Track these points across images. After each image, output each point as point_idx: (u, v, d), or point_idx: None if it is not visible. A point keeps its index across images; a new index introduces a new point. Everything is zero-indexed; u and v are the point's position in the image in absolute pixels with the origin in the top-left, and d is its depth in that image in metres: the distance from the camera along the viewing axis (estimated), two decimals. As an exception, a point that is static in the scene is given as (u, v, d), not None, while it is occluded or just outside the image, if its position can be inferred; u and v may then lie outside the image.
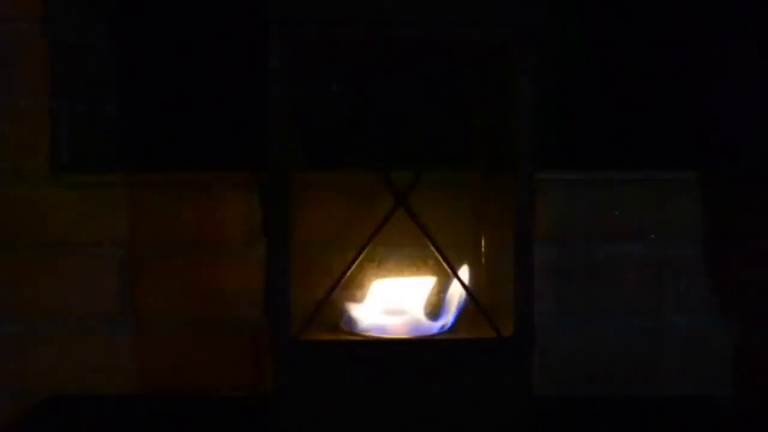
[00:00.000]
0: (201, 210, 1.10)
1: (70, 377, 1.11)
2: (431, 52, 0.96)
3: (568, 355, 1.11)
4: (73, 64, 1.16)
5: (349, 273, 0.89)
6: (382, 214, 0.88)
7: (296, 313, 0.87)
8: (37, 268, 1.10)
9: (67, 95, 1.14)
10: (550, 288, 1.10)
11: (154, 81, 1.28)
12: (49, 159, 1.10)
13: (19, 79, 1.10)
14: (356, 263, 0.89)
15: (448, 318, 0.93)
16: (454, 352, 0.89)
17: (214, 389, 1.11)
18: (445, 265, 0.89)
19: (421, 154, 0.93)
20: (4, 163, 1.10)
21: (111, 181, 1.10)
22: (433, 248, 0.89)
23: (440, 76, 1.01)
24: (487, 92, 0.98)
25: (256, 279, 1.09)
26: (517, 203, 0.86)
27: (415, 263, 0.99)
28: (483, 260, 1.01)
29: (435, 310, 0.94)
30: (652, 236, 1.10)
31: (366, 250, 0.89)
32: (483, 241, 1.01)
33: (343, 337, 0.91)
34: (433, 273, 0.96)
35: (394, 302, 0.94)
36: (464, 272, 0.94)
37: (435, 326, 0.92)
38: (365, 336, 0.91)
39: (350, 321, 0.93)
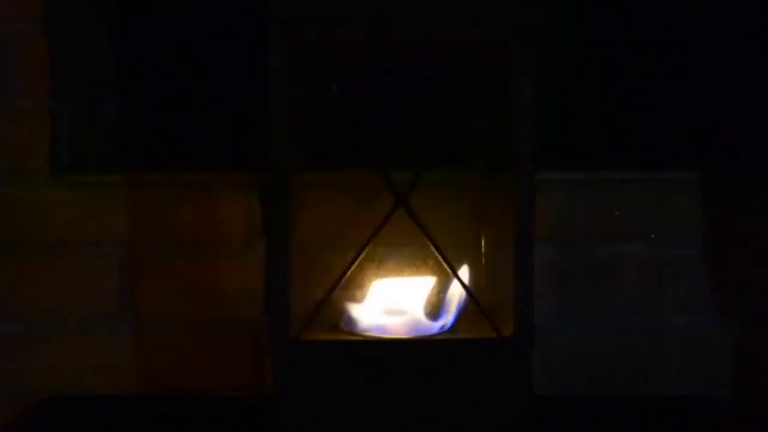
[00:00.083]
0: (201, 210, 1.10)
1: (70, 377, 1.11)
2: (431, 52, 0.96)
3: (568, 355, 1.11)
4: (73, 64, 1.16)
5: (349, 273, 0.89)
6: (382, 214, 0.88)
7: (296, 313, 0.87)
8: (37, 268, 1.10)
9: (67, 95, 1.14)
10: (550, 288, 1.10)
11: (154, 81, 1.28)
12: (49, 159, 1.10)
13: (19, 79, 1.10)
14: (356, 263, 0.89)
15: (448, 318, 0.93)
16: (454, 352, 0.89)
17: (214, 389, 1.11)
18: (445, 265, 0.89)
19: (421, 154, 0.93)
20: (4, 163, 1.10)
21: (111, 181, 1.10)
22: (433, 248, 0.89)
23: (440, 76, 1.01)
24: (487, 92, 0.98)
25: (256, 279, 1.09)
26: (517, 203, 0.86)
27: (415, 263, 0.99)
28: (483, 260, 1.01)
29: (435, 310, 0.94)
30: (652, 236, 1.10)
31: (366, 250, 0.89)
32: (483, 241, 1.01)
33: (343, 337, 0.91)
34: (433, 273, 0.96)
35: (394, 302, 0.94)
36: (464, 272, 0.94)
37: (435, 326, 0.92)
38: (365, 336, 0.91)
39: (350, 321, 0.93)
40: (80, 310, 1.11)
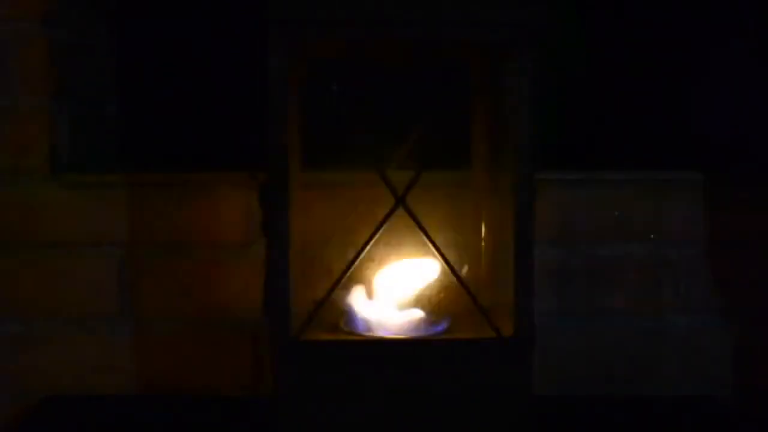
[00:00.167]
0: (201, 210, 1.10)
1: (70, 377, 1.11)
2: (431, 52, 0.96)
3: (568, 355, 1.11)
4: (73, 64, 1.16)
5: (349, 273, 0.89)
6: (382, 214, 0.88)
7: (296, 313, 0.87)
8: (37, 268, 1.10)
9: (67, 95, 1.14)
10: (550, 288, 1.10)
11: (154, 81, 1.28)
12: (49, 159, 1.10)
13: (19, 79, 1.10)
14: (356, 263, 0.89)
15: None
16: (454, 352, 0.89)
17: (214, 389, 1.11)
18: (445, 265, 0.89)
19: (421, 154, 0.93)
20: (4, 163, 1.10)
21: (111, 181, 1.10)
22: (433, 248, 0.89)
23: (440, 76, 1.01)
24: (488, 92, 0.98)
25: (256, 279, 1.09)
26: (517, 203, 0.86)
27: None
28: (483, 260, 1.01)
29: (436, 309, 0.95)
30: (652, 236, 1.10)
31: (366, 250, 0.89)
32: (483, 241, 1.01)
33: (343, 337, 0.91)
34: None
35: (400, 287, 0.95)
36: (464, 272, 0.94)
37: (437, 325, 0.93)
38: (365, 336, 0.91)
39: (352, 316, 0.93)
40: (80, 310, 1.11)
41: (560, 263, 1.10)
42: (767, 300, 1.11)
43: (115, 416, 1.05)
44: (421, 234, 0.88)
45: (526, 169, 0.86)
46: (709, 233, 1.11)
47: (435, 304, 0.95)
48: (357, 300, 0.95)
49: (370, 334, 0.92)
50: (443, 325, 0.93)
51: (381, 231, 0.88)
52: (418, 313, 0.94)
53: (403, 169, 0.89)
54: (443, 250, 0.89)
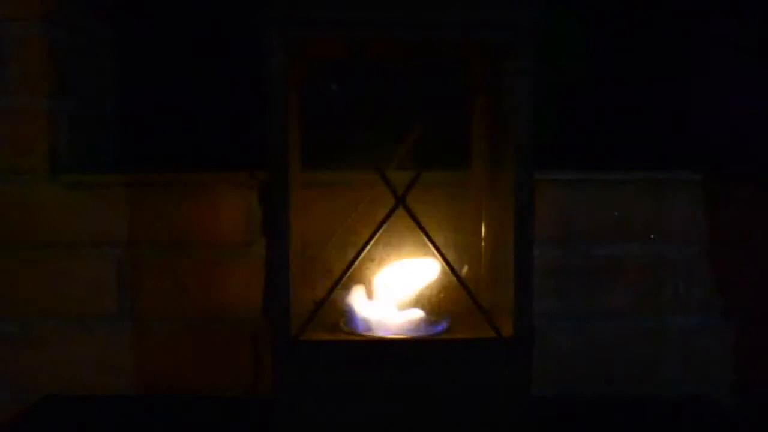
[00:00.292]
0: (201, 210, 1.10)
1: (70, 377, 1.11)
2: (431, 51, 0.96)
3: (568, 355, 1.11)
4: (73, 64, 1.16)
5: (349, 273, 0.89)
6: (382, 214, 0.88)
7: (296, 313, 0.87)
8: (36, 268, 1.10)
9: (67, 95, 1.14)
10: (550, 288, 1.10)
11: (154, 81, 1.28)
12: (48, 159, 1.10)
13: (18, 79, 1.10)
14: (356, 263, 0.89)
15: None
16: (454, 352, 0.89)
17: (214, 389, 1.11)
18: (445, 265, 0.89)
19: (421, 154, 0.93)
20: (4, 163, 1.10)
21: (111, 181, 1.10)
22: (433, 248, 0.89)
23: (440, 75, 1.01)
24: (488, 92, 0.98)
25: (256, 279, 1.09)
26: (517, 203, 0.86)
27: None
28: (483, 260, 1.01)
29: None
30: (652, 236, 1.10)
31: (366, 250, 0.89)
32: (483, 241, 1.01)
33: (343, 337, 0.91)
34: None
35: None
36: (464, 272, 0.94)
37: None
38: (365, 336, 0.91)
39: (350, 314, 0.93)
40: (80, 310, 1.11)
41: (560, 263, 1.10)
42: (767, 300, 1.11)
43: (114, 416, 1.05)
44: (421, 234, 0.88)
45: (526, 169, 0.86)
46: (708, 233, 1.11)
47: (435, 304, 0.96)
48: (357, 300, 0.95)
49: (370, 334, 0.92)
50: (443, 325, 0.93)
51: (381, 231, 0.88)
52: (418, 313, 0.94)
53: (403, 169, 0.89)
54: (443, 250, 0.89)
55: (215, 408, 1.06)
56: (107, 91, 1.27)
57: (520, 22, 0.84)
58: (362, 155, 0.89)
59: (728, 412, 1.09)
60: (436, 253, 0.89)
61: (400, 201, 0.88)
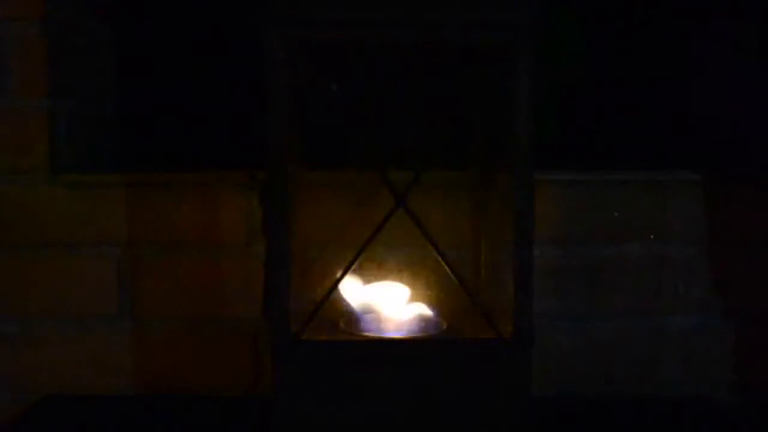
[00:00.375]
0: (201, 210, 1.10)
1: (70, 377, 1.11)
2: (431, 51, 0.96)
3: (568, 355, 1.11)
4: (73, 64, 1.16)
5: (348, 273, 0.89)
6: (382, 214, 0.88)
7: (296, 313, 0.87)
8: (36, 268, 1.10)
9: (67, 95, 1.14)
10: (550, 288, 1.10)
11: (154, 81, 1.28)
12: (48, 159, 1.10)
13: (18, 79, 1.10)
14: (356, 263, 0.89)
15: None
16: (453, 352, 0.89)
17: (214, 389, 1.11)
18: (444, 265, 0.89)
19: (420, 154, 0.93)
20: (4, 163, 1.10)
21: (111, 181, 1.10)
22: (432, 248, 0.89)
23: (440, 75, 1.01)
24: (487, 92, 0.98)
25: (256, 279, 1.09)
26: (517, 203, 0.86)
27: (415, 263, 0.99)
28: (483, 260, 1.01)
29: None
30: (652, 236, 1.10)
31: (366, 250, 0.89)
32: (483, 241, 1.01)
33: (343, 337, 0.91)
34: (432, 273, 0.97)
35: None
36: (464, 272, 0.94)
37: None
38: (365, 336, 0.91)
39: (351, 314, 0.93)
40: (80, 310, 1.11)
41: (560, 263, 1.10)
42: (767, 300, 1.11)
43: (114, 416, 1.05)
44: (421, 234, 0.88)
45: (526, 169, 0.86)
46: (708, 233, 1.11)
47: (435, 304, 0.96)
48: (357, 300, 0.95)
49: (370, 334, 0.92)
50: (443, 325, 0.93)
51: (381, 231, 0.88)
52: (419, 313, 0.94)
53: (403, 169, 0.89)
54: (443, 250, 0.89)
55: (215, 408, 1.06)
56: (107, 91, 1.27)
57: (520, 22, 0.84)
58: (362, 155, 0.89)
59: (728, 412, 1.09)
60: (435, 253, 0.89)
61: (400, 201, 0.88)
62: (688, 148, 1.27)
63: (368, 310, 0.95)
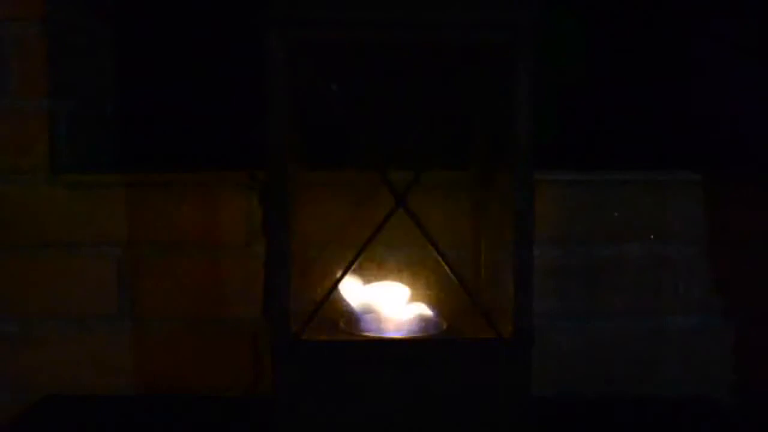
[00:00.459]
0: (201, 210, 1.10)
1: (70, 377, 1.11)
2: (431, 51, 0.96)
3: (568, 355, 1.11)
4: (73, 64, 1.16)
5: (348, 273, 0.89)
6: (382, 214, 0.88)
7: (296, 313, 0.87)
8: (36, 268, 1.10)
9: (67, 95, 1.14)
10: (550, 288, 1.10)
11: (154, 81, 1.28)
12: (48, 159, 1.10)
13: (18, 79, 1.10)
14: (356, 263, 0.89)
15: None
16: (453, 352, 0.89)
17: (213, 389, 1.11)
18: (444, 265, 0.89)
19: (420, 154, 0.93)
20: (4, 163, 1.10)
21: (111, 181, 1.10)
22: (432, 248, 0.89)
23: (440, 75, 1.01)
24: (487, 92, 0.98)
25: (256, 279, 1.09)
26: (517, 203, 0.86)
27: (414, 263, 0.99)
28: (483, 260, 1.01)
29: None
30: (652, 236, 1.10)
31: (366, 250, 0.89)
32: (483, 241, 1.01)
33: (343, 337, 0.91)
34: (432, 273, 0.97)
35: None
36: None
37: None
38: (365, 336, 0.91)
39: (351, 314, 0.93)
40: (80, 310, 1.11)
41: (560, 263, 1.10)
42: (767, 300, 1.11)
43: (114, 416, 1.05)
44: (421, 234, 0.88)
45: (526, 169, 0.86)
46: (708, 233, 1.11)
47: (435, 304, 0.96)
48: (357, 300, 0.95)
49: (370, 334, 0.92)
50: (443, 325, 0.93)
51: (381, 231, 0.88)
52: (419, 313, 0.94)
53: (403, 169, 0.89)
54: (443, 250, 0.89)
55: (215, 408, 1.06)
56: (107, 91, 1.27)
57: (520, 22, 0.84)
58: (362, 155, 0.89)
59: (728, 412, 1.09)
60: (435, 253, 0.89)
61: (400, 201, 0.88)
62: (688, 148, 1.26)
63: (368, 310, 0.95)
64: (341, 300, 0.94)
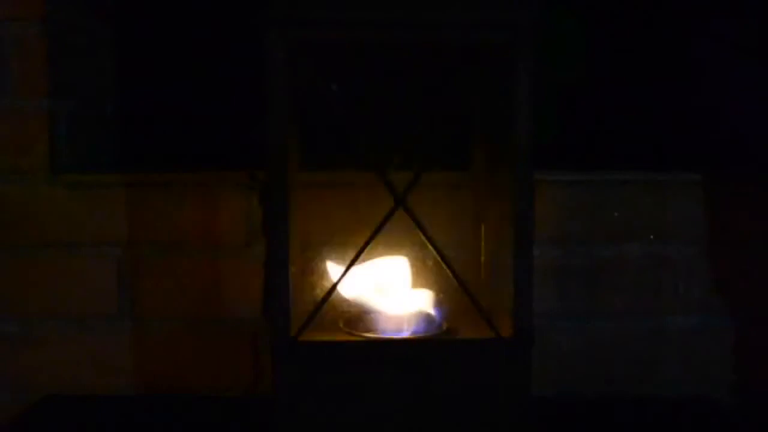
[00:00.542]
0: (201, 210, 1.10)
1: (70, 377, 1.11)
2: (431, 51, 0.96)
3: (568, 355, 1.11)
4: (73, 64, 1.16)
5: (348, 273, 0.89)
6: (382, 214, 0.88)
7: (296, 313, 0.87)
8: (36, 268, 1.10)
9: (67, 95, 1.14)
10: (550, 288, 1.10)
11: (154, 81, 1.28)
12: (48, 159, 1.10)
13: (18, 79, 1.10)
14: (356, 263, 0.89)
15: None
16: (453, 352, 0.89)
17: (213, 389, 1.11)
18: (444, 265, 0.89)
19: (420, 154, 0.93)
20: (4, 163, 1.10)
21: (111, 181, 1.10)
22: (432, 248, 0.89)
23: (440, 75, 1.01)
24: (487, 92, 0.98)
25: (255, 279, 1.09)
26: (517, 203, 0.86)
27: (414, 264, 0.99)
28: (483, 260, 1.01)
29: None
30: (652, 237, 1.10)
31: (366, 250, 0.89)
32: (483, 241, 1.01)
33: (343, 337, 0.91)
34: (432, 273, 0.97)
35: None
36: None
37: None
38: (365, 336, 0.91)
39: (351, 314, 0.93)
40: (80, 310, 1.11)
41: (560, 263, 1.10)
42: (767, 300, 1.11)
43: (114, 416, 1.05)
44: (421, 234, 0.88)
45: (526, 169, 0.86)
46: (708, 233, 1.11)
47: (435, 304, 0.95)
48: (357, 300, 0.95)
49: (370, 334, 0.92)
50: (443, 326, 0.93)
51: (381, 231, 0.88)
52: (419, 313, 0.94)
53: (403, 169, 0.89)
54: (443, 250, 0.89)
55: (215, 408, 1.06)
56: (107, 91, 1.27)
57: (520, 22, 0.84)
58: (362, 155, 0.89)
59: (728, 412, 1.09)
60: (435, 253, 0.89)
61: (400, 201, 0.88)
62: (688, 148, 1.26)
63: (368, 310, 0.95)
64: (341, 300, 0.94)
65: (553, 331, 1.10)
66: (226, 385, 1.11)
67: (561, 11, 1.23)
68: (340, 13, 0.84)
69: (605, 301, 1.11)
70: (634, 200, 1.10)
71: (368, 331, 0.93)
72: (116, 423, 1.03)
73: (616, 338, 1.11)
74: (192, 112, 1.27)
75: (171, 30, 1.27)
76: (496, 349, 0.88)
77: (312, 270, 0.98)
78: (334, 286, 0.89)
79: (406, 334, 0.92)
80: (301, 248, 1.00)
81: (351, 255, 0.89)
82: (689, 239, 1.11)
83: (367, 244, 0.88)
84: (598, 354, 1.11)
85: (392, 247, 0.98)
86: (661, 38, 1.28)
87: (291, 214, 0.87)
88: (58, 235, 1.10)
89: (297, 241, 0.92)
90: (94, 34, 1.24)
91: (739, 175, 1.13)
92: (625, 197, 1.10)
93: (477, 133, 1.01)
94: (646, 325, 1.11)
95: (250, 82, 1.19)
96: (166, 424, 1.02)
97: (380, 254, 0.96)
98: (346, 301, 0.94)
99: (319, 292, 0.90)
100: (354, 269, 0.89)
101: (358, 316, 0.95)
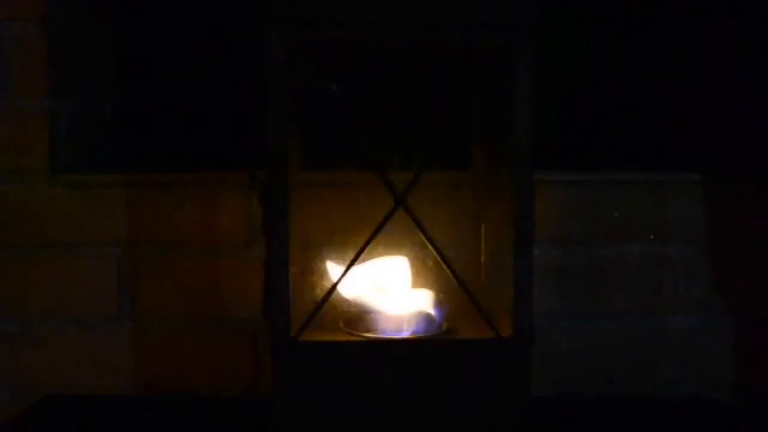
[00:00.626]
0: (201, 210, 1.10)
1: (70, 377, 1.11)
2: (431, 51, 0.96)
3: (568, 355, 1.11)
4: (73, 64, 1.16)
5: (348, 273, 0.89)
6: (382, 214, 0.88)
7: (296, 313, 0.87)
8: (37, 268, 1.10)
9: (67, 95, 1.14)
10: (550, 288, 1.10)
11: (154, 81, 1.28)
12: (48, 159, 1.10)
13: (18, 79, 1.10)
14: (356, 263, 0.89)
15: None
16: (453, 352, 0.89)
17: (213, 389, 1.11)
18: (444, 265, 0.89)
19: (420, 154, 0.93)
20: (4, 163, 1.10)
21: (111, 181, 1.10)
22: (432, 248, 0.89)
23: (440, 75, 1.01)
24: (487, 92, 0.98)
25: (255, 279, 1.09)
26: (517, 203, 0.86)
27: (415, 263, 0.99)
28: (483, 260, 1.01)
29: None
30: (652, 236, 1.10)
31: (366, 250, 0.89)
32: (483, 241, 1.01)
33: (343, 337, 0.91)
34: (432, 273, 0.97)
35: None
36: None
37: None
38: (365, 336, 0.91)
39: (351, 314, 0.93)
40: (80, 310, 1.11)
41: (560, 263, 1.10)
42: (767, 300, 1.11)
43: (114, 416, 1.05)
44: (421, 234, 0.88)
45: (526, 169, 0.86)
46: (708, 233, 1.11)
47: (435, 304, 0.95)
48: (357, 300, 0.95)
49: (370, 334, 0.92)
50: (443, 326, 0.93)
51: (381, 231, 0.88)
52: (419, 313, 0.94)
53: (403, 169, 0.89)
54: (443, 250, 0.89)
55: (215, 408, 1.06)
56: (107, 91, 1.27)
57: (520, 22, 0.84)
58: (362, 155, 0.89)
59: (728, 412, 1.09)
60: (435, 253, 0.89)
61: (400, 201, 0.88)
62: (688, 148, 1.26)
63: (368, 310, 0.95)
64: (341, 300, 0.94)
65: (553, 331, 1.10)
66: (226, 385, 1.11)
67: (561, 11, 1.23)
68: (340, 13, 0.84)
69: (605, 301, 1.11)
70: (634, 200, 1.10)
71: (368, 331, 0.93)
72: (116, 423, 1.03)
73: (616, 338, 1.11)
74: (192, 112, 1.27)
75: (171, 30, 1.27)
76: (496, 349, 0.88)
77: (312, 270, 0.98)
78: (334, 286, 0.89)
79: (406, 334, 0.92)
80: (301, 248, 1.01)
81: (351, 255, 0.89)
82: (689, 239, 1.11)
83: (367, 244, 0.88)
84: (598, 354, 1.11)
85: (392, 247, 0.98)
86: (661, 38, 1.29)
87: (291, 214, 0.87)
88: (58, 235, 1.10)
89: (297, 241, 0.92)
90: (94, 34, 1.24)
91: (739, 175, 1.13)
92: (625, 197, 1.10)
93: (477, 133, 1.01)
94: (646, 325, 1.11)
95: (250, 82, 1.19)
96: (166, 424, 1.02)
97: (380, 254, 0.96)
98: (346, 301, 0.94)
99: (319, 292, 0.90)
100: (354, 269, 0.89)
101: (358, 316, 0.95)
